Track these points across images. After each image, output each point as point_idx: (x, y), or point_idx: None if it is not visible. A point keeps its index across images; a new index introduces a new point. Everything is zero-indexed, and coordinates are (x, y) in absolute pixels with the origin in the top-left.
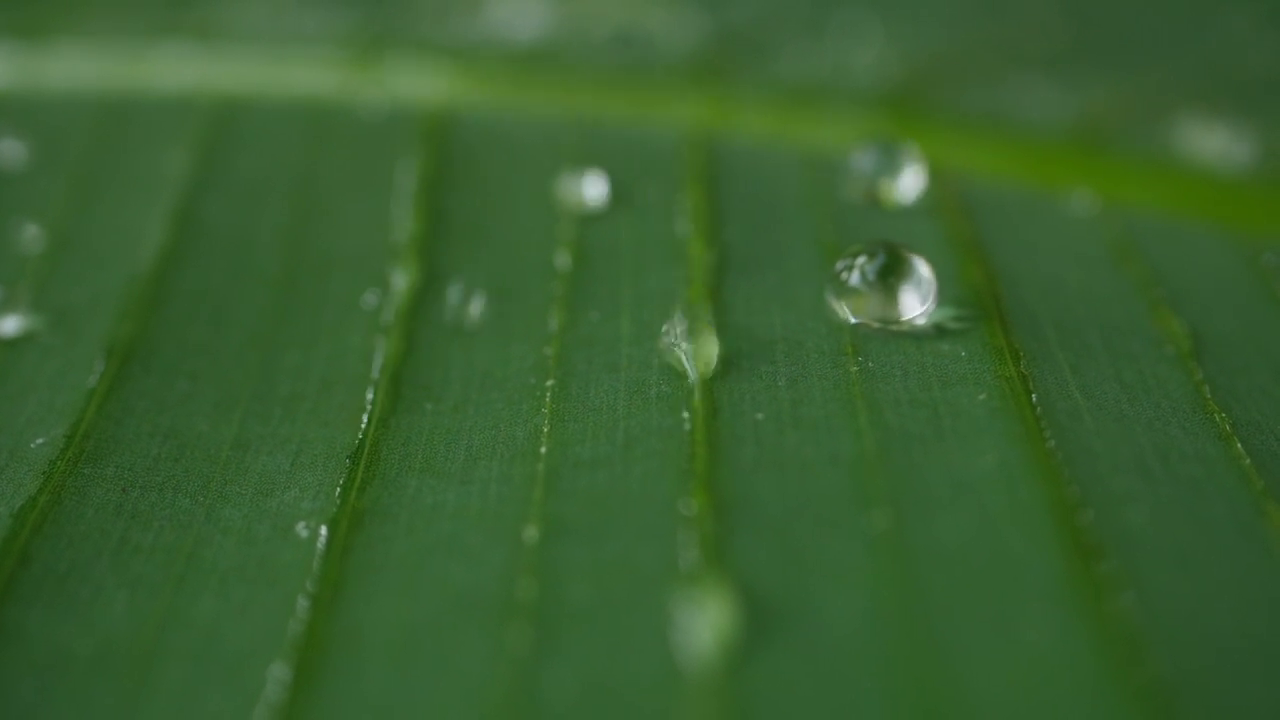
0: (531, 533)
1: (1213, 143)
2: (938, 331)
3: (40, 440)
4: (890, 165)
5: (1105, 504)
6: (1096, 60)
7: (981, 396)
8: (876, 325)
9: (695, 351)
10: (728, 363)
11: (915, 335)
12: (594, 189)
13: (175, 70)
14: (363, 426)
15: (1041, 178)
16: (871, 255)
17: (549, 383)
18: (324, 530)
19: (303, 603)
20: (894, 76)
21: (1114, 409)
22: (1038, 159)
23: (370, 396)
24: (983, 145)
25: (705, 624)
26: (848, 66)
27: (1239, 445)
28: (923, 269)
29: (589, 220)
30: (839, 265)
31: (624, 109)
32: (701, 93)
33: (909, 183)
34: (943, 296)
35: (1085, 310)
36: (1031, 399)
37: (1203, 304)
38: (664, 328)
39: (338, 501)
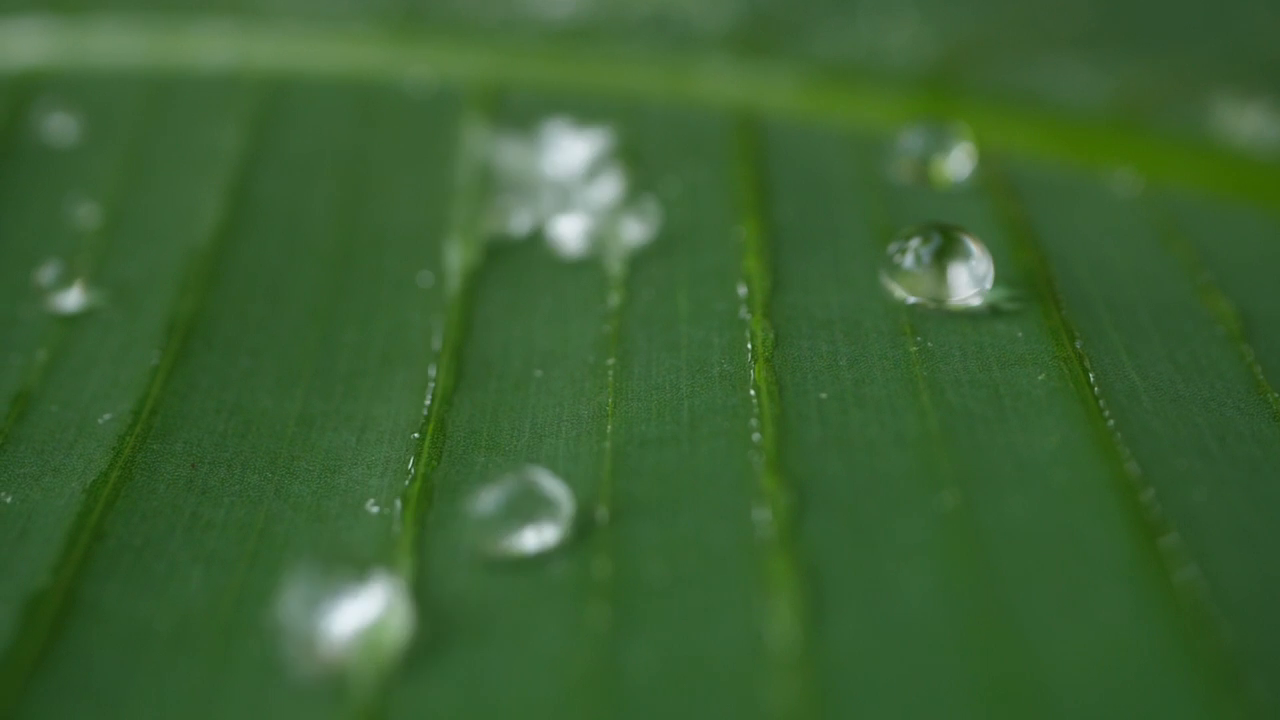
0: (602, 511)
1: (1247, 124)
2: (993, 312)
3: (107, 416)
4: (939, 145)
5: (1166, 483)
6: (1127, 41)
7: (1041, 377)
8: (932, 305)
9: (754, 329)
10: (788, 342)
11: (971, 316)
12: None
13: (218, 46)
14: (426, 403)
15: (1081, 157)
16: (926, 237)
17: (610, 361)
18: (395, 507)
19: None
20: (929, 56)
21: (1170, 389)
22: (1076, 139)
23: (432, 373)
24: (1021, 125)
25: (781, 600)
26: (882, 46)
27: None
28: (977, 250)
29: (641, 197)
30: (893, 246)
31: (665, 87)
32: (740, 71)
33: (958, 163)
34: (996, 277)
35: (1136, 291)
36: (1089, 379)
37: (1249, 284)
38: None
39: (406, 478)
